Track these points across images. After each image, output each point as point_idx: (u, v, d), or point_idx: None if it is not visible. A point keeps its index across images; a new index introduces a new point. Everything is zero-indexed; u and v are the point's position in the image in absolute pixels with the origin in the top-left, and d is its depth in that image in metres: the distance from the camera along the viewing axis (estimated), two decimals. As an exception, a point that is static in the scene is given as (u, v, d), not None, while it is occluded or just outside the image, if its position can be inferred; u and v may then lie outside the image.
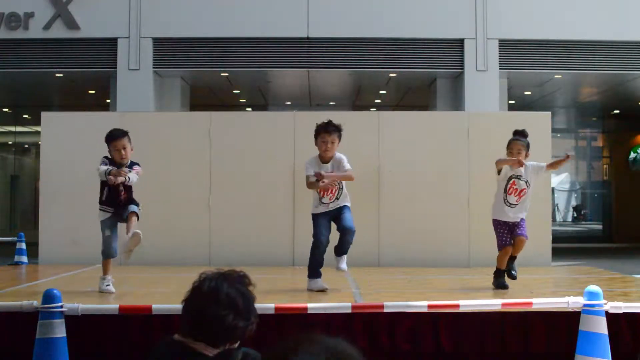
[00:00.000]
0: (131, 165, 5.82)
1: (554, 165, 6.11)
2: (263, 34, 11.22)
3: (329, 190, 5.78)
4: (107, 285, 5.77)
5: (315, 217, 5.89)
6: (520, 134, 6.04)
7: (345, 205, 5.84)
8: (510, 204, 5.91)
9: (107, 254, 5.85)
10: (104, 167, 5.66)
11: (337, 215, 5.84)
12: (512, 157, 5.90)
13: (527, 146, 5.98)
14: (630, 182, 18.17)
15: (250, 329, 2.13)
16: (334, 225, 5.90)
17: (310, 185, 5.78)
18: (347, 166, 5.82)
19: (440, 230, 8.52)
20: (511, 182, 5.94)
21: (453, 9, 11.24)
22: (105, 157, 5.82)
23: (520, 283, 6.11)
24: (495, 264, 6.03)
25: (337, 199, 5.81)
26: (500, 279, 5.99)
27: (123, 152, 5.70)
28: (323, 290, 5.72)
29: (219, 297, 2.08)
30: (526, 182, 5.94)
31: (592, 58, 11.38)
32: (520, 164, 5.88)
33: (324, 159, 5.83)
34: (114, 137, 5.71)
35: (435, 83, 12.26)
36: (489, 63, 11.21)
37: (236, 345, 2.14)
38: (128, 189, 5.84)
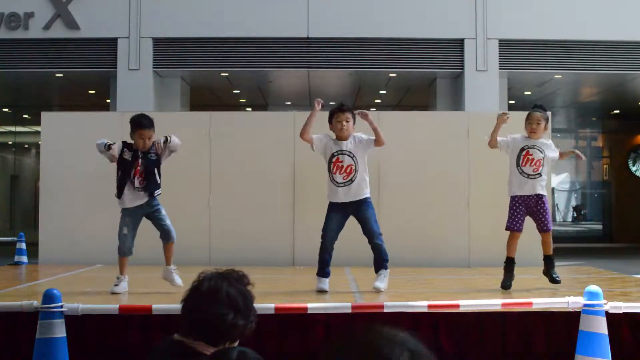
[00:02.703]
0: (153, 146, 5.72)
1: (565, 154, 6.03)
2: (263, 34, 11.22)
3: (343, 169, 5.68)
4: (114, 285, 5.71)
5: (329, 208, 5.76)
6: (538, 106, 5.95)
7: (365, 199, 5.71)
8: (528, 175, 5.77)
9: (121, 251, 5.79)
10: (101, 141, 5.65)
11: (357, 212, 5.70)
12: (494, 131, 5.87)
13: (547, 119, 5.89)
14: (630, 182, 18.17)
15: (250, 328, 2.14)
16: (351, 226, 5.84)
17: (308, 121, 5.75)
18: (367, 137, 5.78)
19: (440, 230, 8.52)
20: (524, 152, 5.80)
21: (453, 9, 11.24)
22: (122, 141, 5.75)
23: (520, 283, 6.11)
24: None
25: (352, 181, 5.67)
26: (507, 278, 5.80)
27: (148, 141, 5.64)
28: (322, 291, 5.70)
29: (218, 296, 2.08)
30: (542, 151, 5.82)
31: (592, 58, 11.38)
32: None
33: (340, 138, 5.77)
34: (142, 126, 5.60)
35: (435, 83, 12.26)
36: (489, 63, 11.22)
37: (236, 344, 2.15)
38: (147, 172, 5.68)
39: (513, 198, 5.87)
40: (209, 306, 2.07)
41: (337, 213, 5.72)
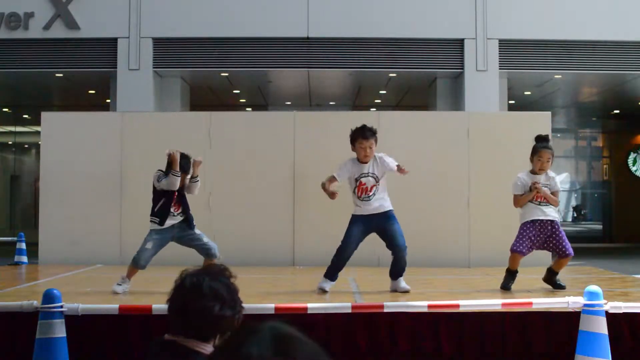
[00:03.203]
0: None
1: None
2: (263, 34, 11.22)
3: (368, 190, 5.70)
4: (117, 284, 5.72)
5: (351, 220, 5.79)
6: (545, 140, 5.93)
7: (388, 212, 5.76)
8: (540, 202, 5.81)
9: (136, 263, 5.77)
10: (167, 180, 5.74)
11: (382, 227, 5.74)
12: (530, 194, 5.79)
13: (553, 154, 5.93)
14: (630, 182, 18.18)
15: (237, 319, 2.16)
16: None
17: (324, 187, 5.68)
18: (392, 162, 5.75)
19: (440, 230, 8.52)
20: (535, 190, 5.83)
21: (453, 9, 11.24)
22: (160, 170, 5.90)
23: (520, 283, 6.10)
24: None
25: (374, 195, 5.72)
26: (508, 281, 5.84)
27: (186, 181, 5.89)
28: (322, 291, 5.69)
29: (202, 290, 2.10)
30: (547, 185, 5.87)
31: (592, 58, 11.38)
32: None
33: (363, 161, 5.78)
34: (183, 170, 5.81)
35: (435, 83, 12.26)
36: (489, 63, 11.22)
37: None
38: (181, 197, 5.84)
39: (524, 224, 5.85)
40: (194, 301, 2.09)
41: (360, 227, 5.75)
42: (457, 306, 4.50)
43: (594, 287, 4.31)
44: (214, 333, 2.12)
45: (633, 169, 18.33)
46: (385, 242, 5.80)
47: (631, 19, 11.22)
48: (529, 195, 5.80)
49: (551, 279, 5.92)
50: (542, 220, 5.80)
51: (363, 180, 5.74)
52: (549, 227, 5.81)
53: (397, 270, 5.78)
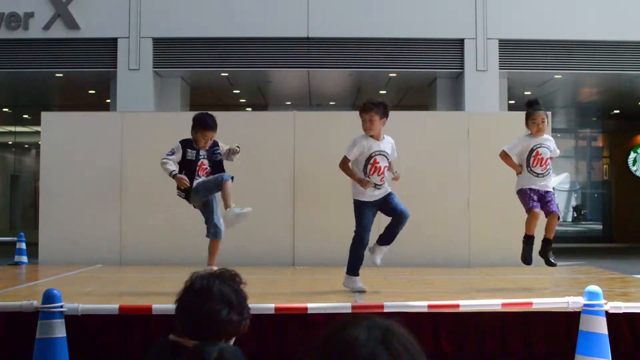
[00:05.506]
0: (214, 144, 5.83)
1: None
2: (263, 34, 11.22)
3: (381, 170, 5.64)
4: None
5: (360, 205, 5.68)
6: (536, 103, 5.89)
7: (391, 192, 5.75)
8: (538, 174, 5.77)
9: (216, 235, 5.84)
10: (169, 167, 5.62)
11: (385, 204, 5.69)
12: (515, 165, 5.84)
13: (548, 116, 5.91)
14: (630, 182, 18.18)
15: (244, 325, 2.15)
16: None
17: (345, 167, 5.64)
18: (396, 154, 5.89)
19: (440, 230, 8.51)
20: (534, 152, 5.79)
21: (453, 9, 11.24)
22: (181, 142, 5.74)
23: (520, 283, 6.11)
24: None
25: (385, 181, 5.70)
26: (527, 251, 5.78)
27: (209, 142, 5.76)
28: (361, 292, 5.59)
29: (211, 294, 2.10)
30: (548, 148, 5.84)
31: (592, 58, 11.38)
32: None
33: (374, 137, 5.69)
34: (208, 127, 5.72)
35: (435, 83, 12.26)
36: (489, 63, 11.21)
37: (231, 341, 2.16)
38: (214, 166, 5.79)
39: (523, 190, 5.81)
40: (203, 303, 2.09)
41: (371, 211, 5.70)
42: (457, 306, 4.50)
43: (594, 287, 4.31)
44: (219, 337, 2.11)
45: (633, 169, 18.33)
46: (388, 212, 5.72)
47: (631, 19, 11.22)
48: (514, 167, 5.82)
49: (545, 252, 5.85)
50: (539, 190, 5.79)
51: (378, 158, 5.65)
52: (543, 192, 5.80)
53: (390, 234, 5.70)
